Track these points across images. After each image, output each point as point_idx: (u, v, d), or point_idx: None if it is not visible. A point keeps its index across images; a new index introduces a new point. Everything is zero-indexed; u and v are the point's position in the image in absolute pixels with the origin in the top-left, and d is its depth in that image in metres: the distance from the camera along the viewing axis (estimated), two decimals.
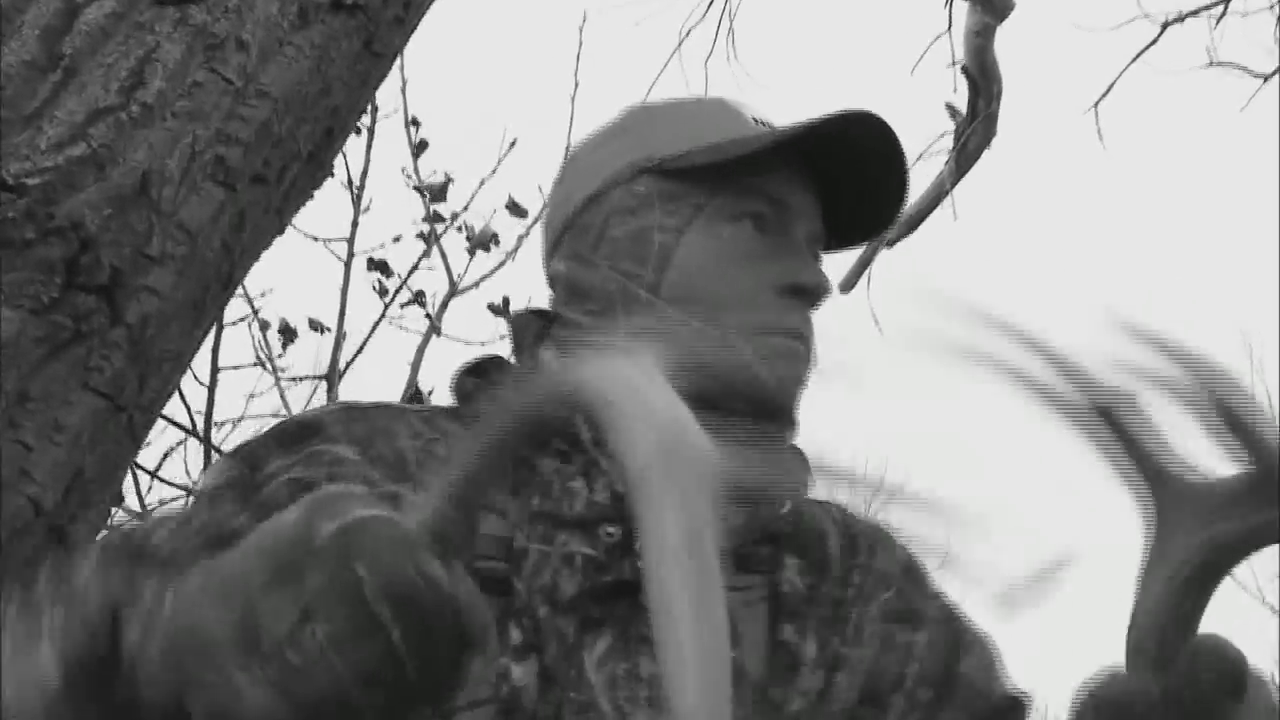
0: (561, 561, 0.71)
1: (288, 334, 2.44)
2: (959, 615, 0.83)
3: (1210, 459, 0.53)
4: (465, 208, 2.97)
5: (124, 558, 0.61)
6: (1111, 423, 0.53)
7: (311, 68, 1.19)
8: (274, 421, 0.79)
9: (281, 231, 1.34)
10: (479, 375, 0.83)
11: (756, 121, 0.83)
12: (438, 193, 3.06)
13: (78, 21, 0.98)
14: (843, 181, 0.82)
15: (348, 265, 2.72)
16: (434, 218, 2.73)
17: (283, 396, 3.07)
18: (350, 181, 2.69)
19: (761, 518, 0.76)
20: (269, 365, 2.79)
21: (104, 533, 0.71)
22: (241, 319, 2.67)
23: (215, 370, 2.16)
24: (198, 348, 1.21)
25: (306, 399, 3.08)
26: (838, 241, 0.87)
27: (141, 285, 1.00)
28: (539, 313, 0.86)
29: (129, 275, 0.97)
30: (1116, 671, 0.59)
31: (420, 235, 2.68)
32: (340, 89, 1.27)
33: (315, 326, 2.54)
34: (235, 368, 2.30)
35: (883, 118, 0.78)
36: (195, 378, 2.20)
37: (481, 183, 3.10)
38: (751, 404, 0.76)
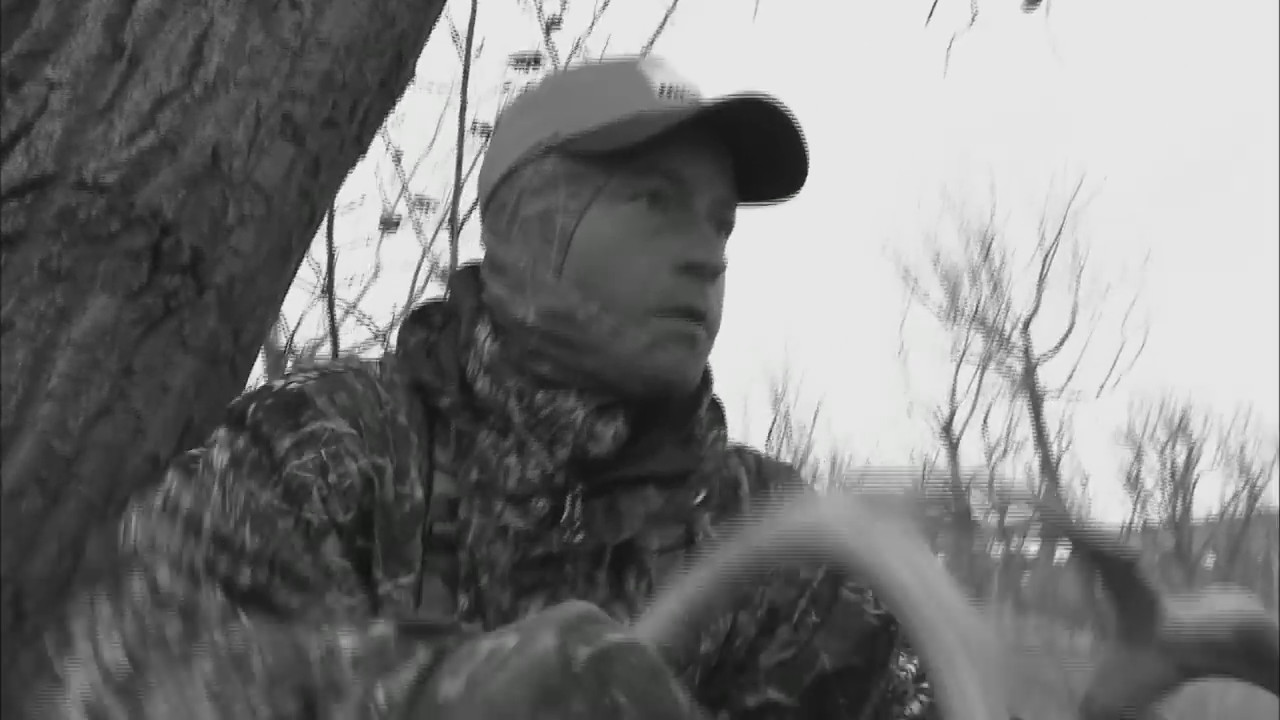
0: (497, 534, 0.78)
1: (389, 225, 2.52)
2: None
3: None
4: (576, 47, 2.94)
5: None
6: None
7: (370, 7, 1.20)
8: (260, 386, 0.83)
9: (364, 154, 1.38)
10: (422, 323, 0.88)
11: (663, 90, 0.83)
12: (551, 25, 3.02)
13: (136, 7, 1.02)
14: (750, 149, 0.82)
15: (461, 114, 2.75)
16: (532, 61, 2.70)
17: (417, 229, 3.21)
18: (456, 35, 2.68)
19: (677, 504, 0.82)
20: (393, 212, 2.91)
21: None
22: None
23: (331, 254, 2.27)
24: (290, 282, 1.29)
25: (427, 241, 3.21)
26: (761, 194, 0.87)
27: (224, 251, 1.08)
28: (476, 271, 0.89)
29: (209, 249, 1.05)
30: None
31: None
32: (405, 14, 1.28)
33: (422, 204, 2.60)
34: (350, 247, 2.40)
35: (772, 102, 0.77)
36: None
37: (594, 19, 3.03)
38: (647, 387, 0.81)
